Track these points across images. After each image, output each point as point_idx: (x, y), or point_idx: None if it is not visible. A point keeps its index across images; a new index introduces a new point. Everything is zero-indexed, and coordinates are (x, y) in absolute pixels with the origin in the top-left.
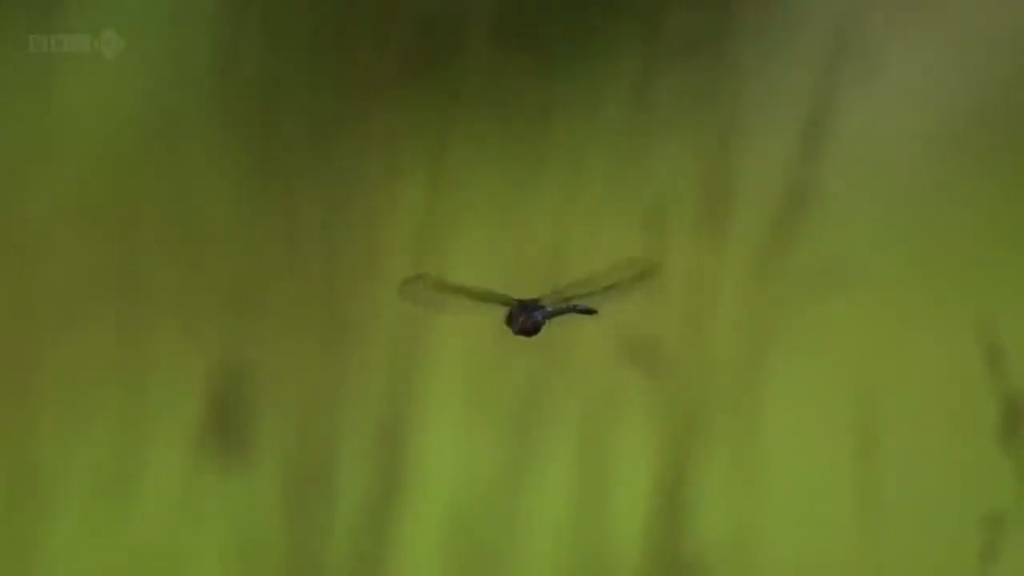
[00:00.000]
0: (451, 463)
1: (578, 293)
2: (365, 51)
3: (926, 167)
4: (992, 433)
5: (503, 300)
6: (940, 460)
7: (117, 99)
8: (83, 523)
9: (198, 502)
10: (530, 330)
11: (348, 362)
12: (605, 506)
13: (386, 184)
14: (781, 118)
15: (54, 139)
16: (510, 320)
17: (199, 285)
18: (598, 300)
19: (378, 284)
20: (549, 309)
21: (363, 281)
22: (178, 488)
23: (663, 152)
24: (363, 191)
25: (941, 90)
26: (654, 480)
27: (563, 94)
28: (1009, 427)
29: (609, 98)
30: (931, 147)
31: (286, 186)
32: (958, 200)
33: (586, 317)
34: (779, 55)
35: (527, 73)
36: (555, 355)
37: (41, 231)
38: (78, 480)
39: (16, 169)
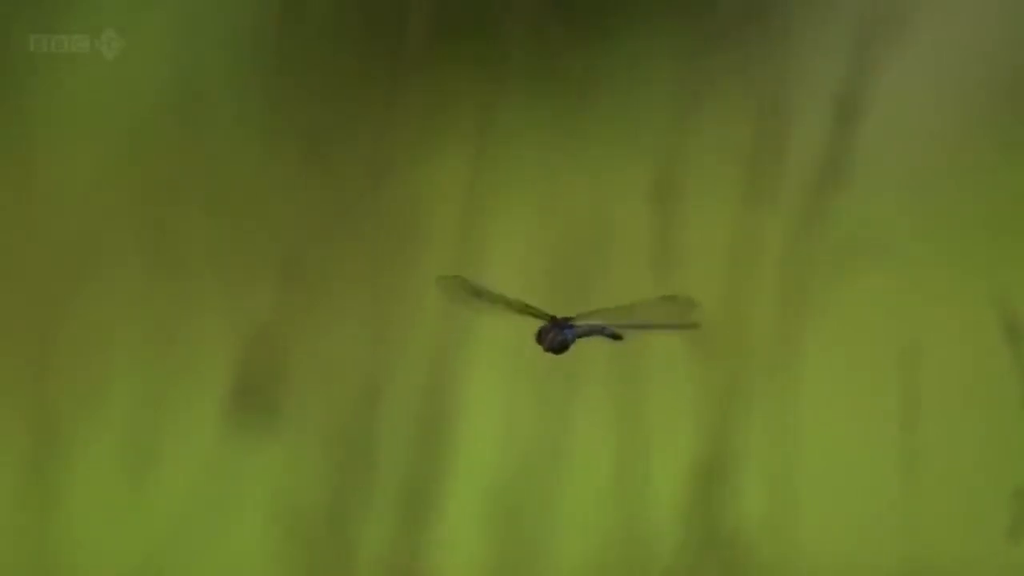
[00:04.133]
0: (491, 434)
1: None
2: (410, 22)
3: (960, 141)
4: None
5: (537, 314)
6: (973, 434)
7: (154, 67)
8: (108, 485)
9: (225, 466)
10: (558, 348)
11: (390, 332)
12: (644, 480)
13: (430, 156)
14: (820, 93)
15: (89, 104)
16: (540, 337)
17: (236, 252)
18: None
19: (421, 254)
20: (579, 329)
21: (406, 251)
22: (205, 451)
23: (705, 124)
24: (407, 162)
25: (974, 66)
26: (694, 452)
27: (608, 66)
28: None
29: (653, 70)
30: (964, 122)
31: (330, 157)
32: (994, 174)
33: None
34: (816, 30)
35: (572, 45)
36: None
37: (73, 195)
38: (103, 441)
39: (53, 134)
